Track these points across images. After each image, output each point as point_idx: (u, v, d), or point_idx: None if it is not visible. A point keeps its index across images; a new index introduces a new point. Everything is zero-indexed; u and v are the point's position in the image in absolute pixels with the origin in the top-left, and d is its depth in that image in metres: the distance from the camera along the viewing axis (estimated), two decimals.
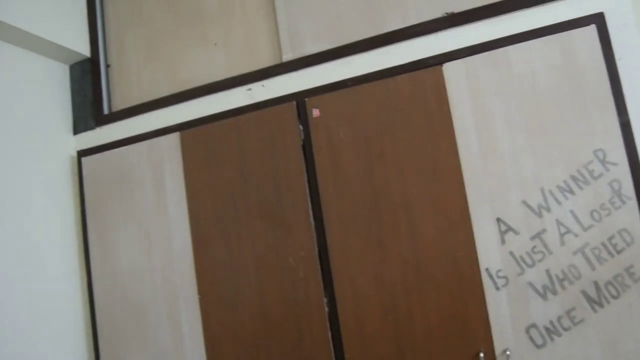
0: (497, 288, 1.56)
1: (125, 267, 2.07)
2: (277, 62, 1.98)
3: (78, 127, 2.30)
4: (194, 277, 1.93)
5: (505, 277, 1.56)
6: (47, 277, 2.04)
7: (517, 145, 1.59)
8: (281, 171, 1.84)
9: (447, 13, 1.76)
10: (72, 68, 2.39)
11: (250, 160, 1.89)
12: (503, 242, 1.57)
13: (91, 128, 2.27)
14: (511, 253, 1.56)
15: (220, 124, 1.96)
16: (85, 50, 2.33)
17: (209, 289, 1.91)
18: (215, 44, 2.11)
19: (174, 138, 2.02)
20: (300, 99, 1.86)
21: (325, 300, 1.74)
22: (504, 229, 1.58)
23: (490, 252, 1.58)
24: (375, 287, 1.69)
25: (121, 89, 2.29)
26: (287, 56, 1.95)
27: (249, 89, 1.96)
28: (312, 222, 1.78)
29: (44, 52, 2.24)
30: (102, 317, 2.10)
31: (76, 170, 2.24)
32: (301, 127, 1.83)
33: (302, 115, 1.84)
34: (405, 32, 1.80)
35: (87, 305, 2.15)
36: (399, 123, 1.72)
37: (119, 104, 2.27)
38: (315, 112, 1.81)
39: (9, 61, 2.10)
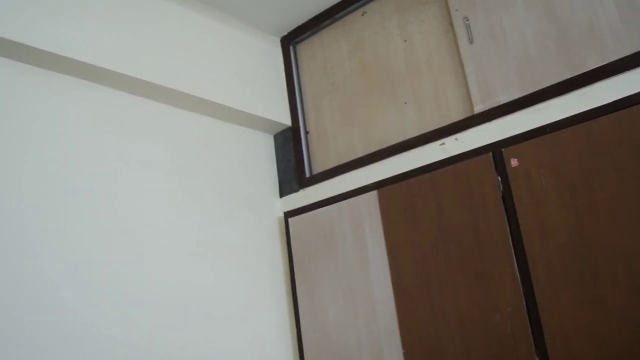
0: None
1: (331, 320, 2.16)
2: (468, 114, 1.98)
3: (284, 190, 2.51)
4: (397, 331, 1.95)
5: None
6: (260, 328, 2.21)
7: None
8: (481, 223, 1.81)
9: None
10: (276, 137, 2.63)
11: (449, 213, 1.89)
12: None
13: (295, 190, 2.46)
14: None
15: (416, 180, 2.00)
16: (286, 120, 2.55)
17: (413, 343, 1.91)
18: (406, 103, 2.18)
19: (372, 196, 2.10)
20: (496, 149, 1.83)
21: (537, 359, 1.65)
22: None
23: None
24: (595, 349, 1.55)
25: (320, 153, 2.46)
26: (479, 107, 1.95)
27: (443, 144, 1.98)
28: (518, 276, 1.71)
29: (252, 125, 2.51)
30: None
31: (284, 230, 2.42)
32: (499, 178, 1.80)
33: (499, 165, 1.81)
34: (605, 70, 1.69)
35: (297, 355, 2.27)
36: (607, 168, 1.60)
37: (319, 167, 2.44)
38: (514, 162, 1.77)
39: (224, 136, 2.39)
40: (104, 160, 1.91)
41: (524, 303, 1.69)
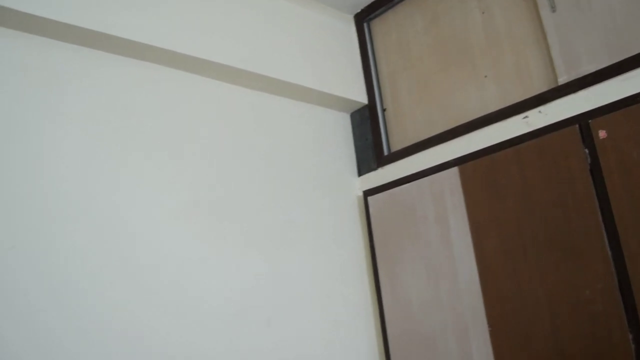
0: None
1: (414, 299, 2.17)
2: (552, 86, 1.92)
3: (362, 169, 2.53)
4: (482, 309, 1.94)
5: None
6: (342, 309, 2.25)
7: None
8: (569, 198, 1.76)
9: None
10: (353, 116, 2.64)
11: (534, 188, 1.85)
12: None
13: (374, 169, 2.47)
14: None
15: (499, 155, 1.96)
16: (363, 99, 2.56)
17: (499, 321, 1.90)
18: (486, 76, 2.13)
19: (454, 172, 2.09)
20: (582, 121, 1.76)
21: (630, 336, 1.60)
22: None
23: None
24: None
25: (398, 130, 2.45)
26: (563, 78, 1.88)
27: (526, 117, 1.93)
28: (609, 251, 1.66)
29: (328, 105, 2.53)
30: (394, 348, 2.22)
31: (363, 209, 2.45)
32: (587, 151, 1.74)
33: (587, 138, 1.74)
34: None
35: (380, 336, 2.30)
36: None
37: (397, 144, 2.43)
38: (602, 134, 1.71)
39: (301, 116, 2.43)
40: (183, 144, 1.98)
41: (616, 280, 1.63)
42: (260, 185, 2.15)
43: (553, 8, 1.94)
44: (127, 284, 1.69)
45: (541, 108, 1.90)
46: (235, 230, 2.01)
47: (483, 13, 2.18)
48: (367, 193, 2.43)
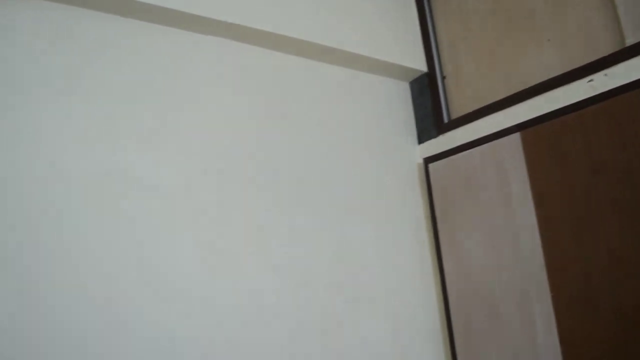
0: None
1: (475, 266, 2.19)
2: (619, 47, 1.87)
3: (422, 137, 2.54)
4: (545, 275, 1.94)
5: None
6: (403, 276, 2.29)
7: None
8: (635, 163, 1.73)
9: None
10: (412, 84, 2.64)
11: (599, 154, 1.82)
12: None
13: (434, 137, 2.48)
14: None
15: (562, 120, 1.93)
16: (422, 66, 2.56)
17: (562, 287, 1.89)
18: (549, 40, 2.09)
19: (515, 138, 2.07)
20: None
21: None
22: None
23: None
24: None
25: (458, 97, 2.44)
26: (631, 40, 1.82)
27: (591, 80, 1.89)
28: None
29: (388, 73, 2.54)
30: (455, 313, 2.26)
31: (423, 176, 2.47)
32: None
33: None
34: None
35: (441, 301, 2.34)
36: None
37: (457, 111, 2.43)
38: None
39: (360, 86, 2.45)
40: (242, 114, 2.05)
41: None
42: (320, 155, 2.20)
43: None
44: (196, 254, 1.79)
45: (607, 71, 1.86)
46: (296, 201, 2.07)
47: None
48: (428, 160, 2.44)
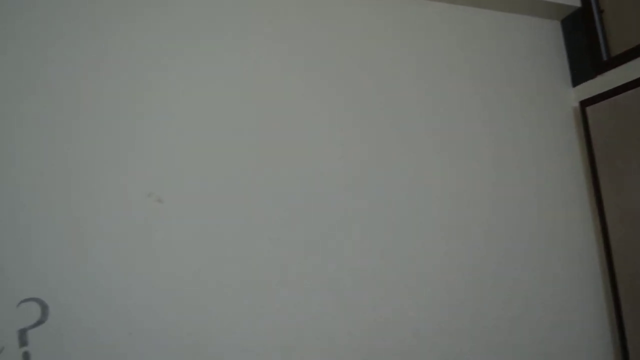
0: None
1: None
2: None
3: (577, 79, 2.39)
4: None
5: None
6: (561, 224, 2.23)
7: None
8: None
9: None
10: (564, 22, 2.47)
11: None
12: None
13: (591, 77, 2.31)
14: None
15: None
16: (575, 2, 2.37)
17: None
18: None
19: None
20: None
21: None
22: None
23: None
24: None
25: (618, 32, 2.25)
26: None
27: None
28: None
29: (537, 13, 2.40)
30: (619, 259, 2.15)
31: (580, 121, 2.33)
32: None
33: None
34: None
35: (603, 248, 2.24)
36: None
37: (617, 48, 2.23)
38: None
39: (508, 28, 2.36)
40: (386, 63, 2.06)
41: None
42: (469, 101, 2.16)
43: None
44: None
45: None
46: (447, 145, 2.07)
47: None
48: (585, 103, 2.29)
